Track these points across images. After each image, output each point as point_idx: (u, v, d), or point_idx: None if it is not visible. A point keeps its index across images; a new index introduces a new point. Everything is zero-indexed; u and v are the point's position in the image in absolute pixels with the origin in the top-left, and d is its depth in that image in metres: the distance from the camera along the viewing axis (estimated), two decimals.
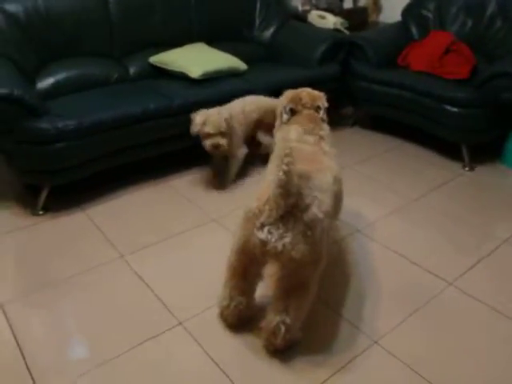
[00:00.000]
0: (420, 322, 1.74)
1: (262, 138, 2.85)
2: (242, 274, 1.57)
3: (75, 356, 1.60)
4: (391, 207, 2.48)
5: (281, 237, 1.38)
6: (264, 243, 1.40)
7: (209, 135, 2.40)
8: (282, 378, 1.52)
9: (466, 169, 2.86)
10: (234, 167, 2.63)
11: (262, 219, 1.40)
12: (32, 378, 1.51)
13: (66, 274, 1.98)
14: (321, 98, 1.97)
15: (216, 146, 2.41)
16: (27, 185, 2.52)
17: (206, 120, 2.38)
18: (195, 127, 2.41)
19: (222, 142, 2.41)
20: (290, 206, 1.36)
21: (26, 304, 1.82)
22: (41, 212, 2.38)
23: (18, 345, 1.63)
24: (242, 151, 2.61)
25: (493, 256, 2.11)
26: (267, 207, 1.39)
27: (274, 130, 2.04)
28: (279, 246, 1.38)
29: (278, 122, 2.01)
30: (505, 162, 2.90)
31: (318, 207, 1.42)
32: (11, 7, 2.61)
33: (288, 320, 1.48)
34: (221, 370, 1.54)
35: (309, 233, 1.39)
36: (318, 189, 1.47)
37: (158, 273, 1.99)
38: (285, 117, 1.91)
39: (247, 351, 1.62)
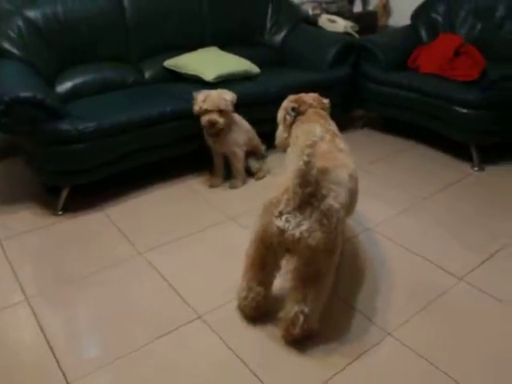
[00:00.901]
0: (432, 316, 1.79)
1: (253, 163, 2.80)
2: (260, 264, 1.62)
3: (100, 347, 1.67)
4: (402, 206, 2.52)
5: (298, 224, 1.43)
6: (282, 231, 1.45)
7: (206, 111, 2.45)
8: (302, 367, 1.57)
9: (476, 169, 2.89)
10: (238, 164, 2.66)
11: (281, 208, 1.45)
12: (60, 369, 1.58)
13: (88, 270, 2.05)
14: (322, 98, 2.04)
15: (212, 123, 2.45)
16: (47, 185, 2.60)
17: (206, 98, 2.45)
18: (197, 104, 2.47)
19: (219, 119, 2.45)
20: (308, 195, 1.42)
21: (50, 299, 1.89)
22: (60, 212, 2.45)
23: (46, 337, 1.70)
24: (241, 149, 2.64)
25: (502, 253, 2.14)
26: (285, 197, 1.45)
27: (278, 137, 2.09)
28: (296, 234, 1.43)
29: (280, 128, 2.09)
30: None
31: (334, 198, 1.48)
32: (31, 14, 2.71)
33: (306, 309, 1.53)
34: (241, 361, 1.60)
35: (325, 221, 1.44)
36: (335, 182, 1.52)
37: (177, 269, 2.05)
38: (288, 118, 1.98)
39: (267, 342, 1.67)
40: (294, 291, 1.55)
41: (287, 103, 2.05)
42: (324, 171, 1.49)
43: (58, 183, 2.41)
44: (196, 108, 2.48)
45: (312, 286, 1.52)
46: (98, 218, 2.43)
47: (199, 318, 1.78)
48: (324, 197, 1.46)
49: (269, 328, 1.72)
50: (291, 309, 1.56)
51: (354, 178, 1.71)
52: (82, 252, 2.17)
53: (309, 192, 1.42)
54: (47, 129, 2.21)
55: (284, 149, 2.10)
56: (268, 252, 1.57)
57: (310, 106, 2.01)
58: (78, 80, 2.75)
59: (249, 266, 1.65)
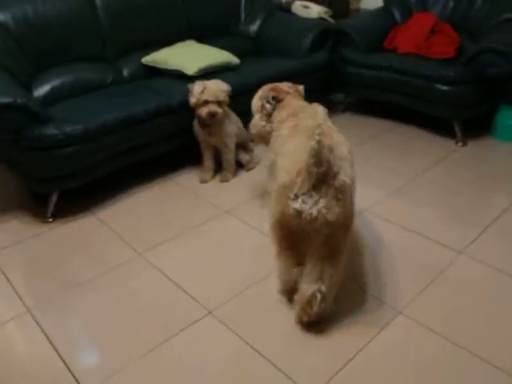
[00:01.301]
0: (438, 291, 1.82)
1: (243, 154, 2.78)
2: (287, 247, 1.64)
3: (111, 353, 1.63)
4: (392, 187, 2.55)
5: (315, 203, 1.46)
6: (299, 213, 1.47)
7: (206, 102, 2.43)
8: (320, 351, 1.58)
9: (459, 144, 2.96)
10: (230, 156, 2.65)
11: (296, 190, 1.47)
12: (74, 377, 1.54)
13: (88, 275, 2.00)
14: (297, 85, 2.14)
15: (213, 114, 2.43)
16: (34, 192, 2.52)
17: (204, 89, 2.42)
18: (194, 96, 2.44)
19: (219, 110, 2.44)
20: (322, 174, 1.45)
21: (53, 308, 1.84)
22: (51, 219, 2.38)
23: (54, 347, 1.65)
24: (232, 141, 2.62)
25: (496, 224, 2.20)
26: (299, 178, 1.46)
27: (255, 125, 2.14)
28: (314, 212, 1.46)
29: (257, 117, 2.12)
30: (495, 136, 3.01)
31: (344, 174, 1.50)
32: (0, 17, 2.60)
33: (323, 288, 1.55)
34: (258, 352, 1.59)
35: (340, 196, 1.48)
36: (341, 159, 1.54)
37: (179, 266, 2.02)
38: (268, 106, 2.03)
39: (281, 331, 1.67)
40: (311, 271, 1.57)
41: (264, 93, 2.08)
42: (331, 149, 1.50)
43: (47, 189, 2.34)
44: (193, 100, 2.45)
45: (329, 264, 1.55)
46: (89, 221, 2.37)
47: (210, 313, 1.77)
48: (336, 174, 1.48)
49: (281, 316, 1.73)
50: (308, 288, 1.56)
51: (351, 154, 1.73)
52: (79, 257, 2.12)
53: (323, 171, 1.44)
54: (32, 134, 2.14)
55: (261, 137, 2.14)
56: (290, 234, 1.59)
57: (288, 93, 2.06)
58: (56, 82, 2.66)
59: (279, 251, 1.67)
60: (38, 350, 1.65)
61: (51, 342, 1.67)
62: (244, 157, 2.75)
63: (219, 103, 2.45)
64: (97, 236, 2.26)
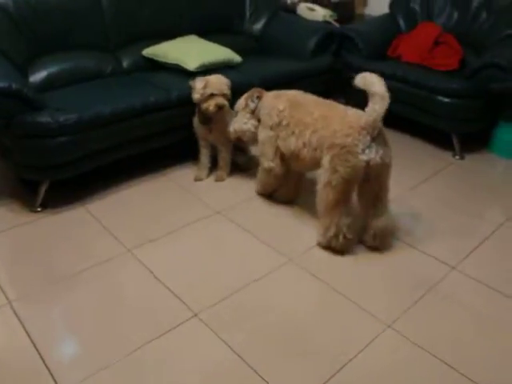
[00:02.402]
0: (428, 306, 1.80)
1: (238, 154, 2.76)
2: (344, 201, 1.95)
3: (91, 350, 1.59)
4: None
5: (377, 152, 1.87)
6: (367, 162, 1.86)
7: (212, 96, 2.41)
8: (305, 363, 1.55)
9: (457, 157, 2.94)
10: (228, 154, 2.62)
11: (361, 146, 1.85)
12: (50, 374, 1.50)
13: (73, 269, 1.96)
14: None
15: (220, 106, 2.42)
16: (24, 181, 2.47)
17: (206, 83, 2.41)
18: (197, 92, 2.41)
19: (226, 102, 2.43)
20: (378, 128, 1.87)
21: (35, 301, 1.80)
22: (39, 209, 2.33)
23: (32, 341, 1.61)
24: (227, 139, 2.58)
25: (491, 239, 2.18)
26: (361, 136, 1.84)
27: (238, 121, 2.40)
28: (378, 159, 1.87)
29: (241, 114, 2.38)
30: (493, 150, 2.99)
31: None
32: None
33: (389, 217, 2.03)
34: (242, 359, 1.56)
35: (387, 142, 1.94)
36: None
37: (167, 265, 1.99)
38: (252, 105, 2.34)
39: (268, 338, 1.64)
40: (375, 209, 2.00)
41: (248, 94, 2.38)
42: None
43: (37, 178, 2.29)
44: (197, 96, 2.42)
45: (385, 200, 2.01)
46: (79, 213, 2.33)
47: (195, 315, 1.73)
48: (381, 128, 1.89)
49: (269, 323, 1.70)
50: (379, 223, 1.99)
51: None
52: (66, 250, 2.07)
53: (379, 126, 1.87)
54: (25, 121, 2.09)
55: (241, 132, 2.39)
56: (353, 186, 1.94)
57: (262, 92, 2.37)
58: (53, 69, 2.61)
59: (337, 206, 1.95)
60: (15, 343, 1.61)
61: (30, 337, 1.63)
62: (240, 157, 2.72)
63: (224, 96, 2.43)
64: (86, 229, 2.21)
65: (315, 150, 2.01)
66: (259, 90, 2.39)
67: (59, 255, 2.04)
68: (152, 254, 2.05)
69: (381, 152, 1.87)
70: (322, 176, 1.96)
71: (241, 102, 2.39)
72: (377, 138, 1.87)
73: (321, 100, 2.17)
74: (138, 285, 1.88)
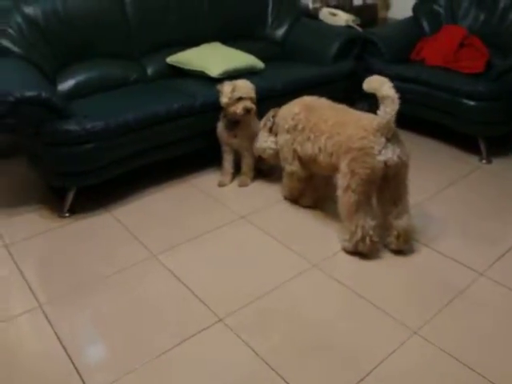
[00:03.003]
0: (455, 312, 1.77)
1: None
2: (366, 202, 1.96)
3: (118, 354, 1.62)
4: (413, 201, 2.47)
5: (394, 152, 1.89)
6: (385, 162, 1.88)
7: (240, 99, 2.45)
8: (331, 369, 1.54)
9: (484, 161, 2.88)
10: (251, 160, 2.64)
11: (378, 147, 1.87)
12: (80, 376, 1.53)
13: (101, 274, 1.99)
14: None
15: (248, 109, 2.46)
16: (52, 187, 2.53)
17: (234, 87, 2.45)
18: (225, 96, 2.45)
19: (253, 106, 2.47)
20: (392, 129, 1.89)
21: (64, 304, 1.84)
22: (67, 214, 2.39)
23: (62, 344, 1.65)
24: (251, 144, 2.60)
25: None
26: (377, 139, 1.87)
27: (261, 140, 2.49)
28: (395, 158, 1.89)
29: (261, 133, 2.50)
30: None
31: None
32: (30, 10, 2.62)
33: (410, 217, 2.03)
34: (268, 365, 1.56)
35: (402, 141, 1.95)
36: None
37: (192, 270, 2.01)
38: (269, 123, 2.45)
39: (294, 343, 1.64)
40: (396, 209, 1.99)
41: (266, 115, 2.48)
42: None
43: (65, 185, 2.34)
44: (225, 99, 2.46)
45: (405, 199, 2.01)
46: (105, 219, 2.37)
47: (220, 320, 1.74)
48: (395, 128, 1.91)
49: (294, 328, 1.69)
50: (400, 223, 1.99)
51: None
52: (93, 255, 2.11)
53: (393, 127, 1.90)
54: (53, 129, 2.15)
55: (262, 151, 2.48)
56: (372, 188, 1.95)
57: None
58: (80, 78, 2.68)
59: (359, 207, 1.95)
60: (46, 346, 1.65)
61: (60, 340, 1.67)
62: (263, 163, 2.72)
63: (251, 100, 2.47)
64: (112, 234, 2.25)
65: (331, 155, 2.05)
66: (275, 109, 2.45)
67: (87, 260, 2.08)
68: (177, 259, 2.07)
69: (398, 151, 1.90)
70: (340, 180, 1.98)
71: (261, 122, 2.49)
72: (392, 139, 1.90)
73: (335, 105, 2.21)
74: (163, 289, 1.90)
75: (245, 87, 2.46)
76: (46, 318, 1.77)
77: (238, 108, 2.44)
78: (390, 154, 1.88)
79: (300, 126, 2.20)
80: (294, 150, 2.27)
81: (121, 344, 1.66)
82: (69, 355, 1.60)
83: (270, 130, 2.44)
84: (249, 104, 2.45)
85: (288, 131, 2.27)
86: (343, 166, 1.96)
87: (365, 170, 1.88)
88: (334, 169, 2.04)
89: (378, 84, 1.87)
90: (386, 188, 1.98)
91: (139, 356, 1.60)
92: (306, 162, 2.25)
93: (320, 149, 2.10)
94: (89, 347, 1.66)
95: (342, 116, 2.07)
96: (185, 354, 1.61)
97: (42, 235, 2.25)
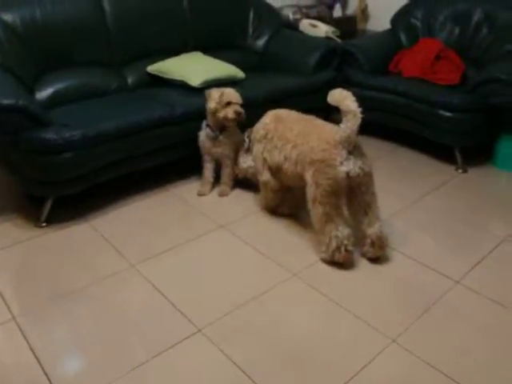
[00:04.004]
0: (432, 321, 1.79)
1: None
2: (336, 213, 1.98)
3: (95, 366, 1.59)
4: (390, 210, 2.53)
5: (355, 163, 1.93)
6: (347, 173, 1.92)
7: (229, 103, 2.48)
8: (309, 378, 1.54)
9: (460, 171, 2.94)
10: (231, 170, 2.65)
11: (340, 158, 1.91)
12: None
13: (77, 285, 1.96)
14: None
15: (238, 113, 2.48)
16: (29, 196, 2.49)
17: (222, 93, 2.48)
18: (213, 101, 2.48)
19: (243, 111, 2.50)
20: (354, 142, 1.93)
21: (39, 316, 1.80)
22: (44, 224, 2.35)
23: (36, 357, 1.61)
24: (232, 153, 2.64)
25: (495, 253, 2.18)
26: (338, 151, 1.91)
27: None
28: (357, 169, 1.93)
29: (241, 154, 2.59)
30: (496, 164, 3.00)
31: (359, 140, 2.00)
32: (8, 17, 2.59)
33: (381, 224, 2.06)
34: (245, 374, 1.55)
35: (364, 153, 1.99)
36: None
37: (171, 280, 1.99)
38: (246, 144, 2.54)
39: (274, 353, 1.63)
40: (366, 217, 2.03)
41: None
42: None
43: (43, 194, 2.31)
44: (213, 104, 2.48)
45: (374, 206, 2.04)
46: (83, 229, 2.34)
47: (199, 331, 1.73)
48: (356, 140, 1.95)
49: (274, 338, 1.69)
50: (374, 230, 2.02)
51: None
52: (70, 266, 2.08)
53: (355, 139, 1.93)
54: (31, 138, 2.11)
55: (245, 172, 2.57)
56: (339, 198, 1.98)
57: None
58: (59, 86, 2.66)
59: (326, 222, 1.99)
60: (19, 359, 1.61)
61: (34, 352, 1.63)
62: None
63: (240, 105, 2.51)
64: (90, 244, 2.22)
65: (296, 164, 2.10)
66: (250, 129, 2.51)
67: (63, 270, 2.05)
68: (156, 269, 2.06)
69: (359, 163, 1.93)
70: (308, 193, 2.03)
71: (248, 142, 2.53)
72: (354, 151, 1.94)
73: (304, 116, 2.26)
74: (142, 300, 1.88)
75: (233, 93, 2.51)
76: (20, 330, 1.73)
77: (229, 112, 2.46)
78: (351, 166, 1.92)
79: (269, 135, 2.26)
80: (264, 159, 2.31)
81: (97, 356, 1.63)
82: (43, 368, 1.57)
83: (248, 150, 2.52)
84: (239, 108, 2.48)
85: (259, 141, 2.33)
86: (308, 177, 2.01)
87: (327, 181, 1.92)
88: (300, 179, 2.09)
89: (340, 98, 1.90)
90: (354, 198, 2.02)
91: (116, 369, 1.58)
92: (274, 171, 2.29)
93: (286, 157, 2.15)
94: (64, 360, 1.63)
95: (308, 127, 2.11)
96: (163, 365, 1.59)
97: (17, 245, 2.21)
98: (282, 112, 2.34)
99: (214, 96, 2.48)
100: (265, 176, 2.34)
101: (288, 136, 2.14)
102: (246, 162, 2.54)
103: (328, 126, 2.08)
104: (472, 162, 3.00)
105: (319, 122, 2.17)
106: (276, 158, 2.22)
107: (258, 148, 2.36)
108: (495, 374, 1.57)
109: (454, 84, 3.01)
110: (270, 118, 2.33)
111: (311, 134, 2.04)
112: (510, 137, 2.93)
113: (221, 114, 2.48)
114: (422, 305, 1.86)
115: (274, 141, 2.23)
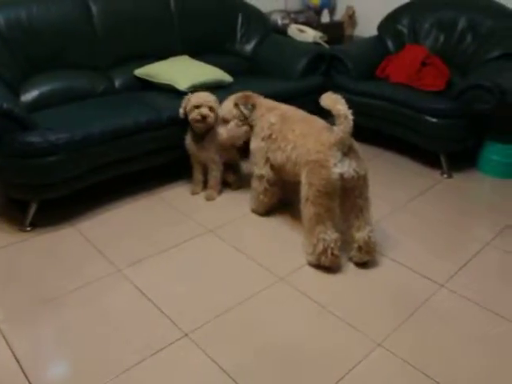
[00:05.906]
0: (417, 324, 1.80)
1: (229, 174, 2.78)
2: (328, 215, 1.98)
3: (80, 372, 1.57)
4: (376, 215, 2.53)
5: (349, 165, 1.94)
6: (341, 175, 1.93)
7: (196, 107, 2.46)
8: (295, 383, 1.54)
9: (445, 176, 2.98)
10: (218, 173, 2.65)
11: (333, 160, 1.92)
12: None
13: (63, 290, 1.94)
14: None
15: (203, 116, 2.45)
16: (13, 200, 2.45)
17: (190, 97, 2.49)
18: (181, 106, 2.50)
19: (210, 113, 2.47)
20: (348, 144, 1.94)
21: (23, 322, 1.78)
22: (28, 228, 2.32)
23: (19, 363, 1.59)
24: (218, 157, 2.63)
25: (478, 257, 2.20)
26: (333, 152, 1.92)
27: (231, 130, 2.45)
28: (351, 171, 1.94)
29: (233, 123, 2.43)
30: (480, 169, 3.04)
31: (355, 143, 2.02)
32: None
33: (371, 229, 2.06)
34: (232, 379, 1.55)
35: (360, 156, 2.00)
36: None
37: (158, 285, 1.98)
38: (247, 112, 2.40)
39: (254, 357, 1.63)
40: (357, 221, 2.04)
41: (239, 100, 2.42)
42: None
43: (27, 198, 2.28)
44: (181, 110, 2.50)
45: (366, 211, 2.05)
46: (69, 233, 2.32)
47: (186, 335, 1.72)
48: (352, 143, 1.98)
49: (262, 342, 1.69)
50: (362, 234, 2.03)
51: None
52: (55, 270, 2.06)
53: (349, 142, 1.95)
54: (16, 141, 2.09)
55: (234, 139, 2.47)
56: (332, 200, 1.97)
57: (256, 97, 2.46)
58: (45, 88, 2.63)
59: (316, 223, 1.99)
60: (1, 365, 1.58)
61: (17, 359, 1.61)
62: (230, 176, 2.74)
63: (210, 109, 2.48)
64: (76, 249, 2.20)
65: (295, 165, 2.12)
66: (249, 95, 2.44)
67: (48, 275, 2.02)
68: (142, 274, 2.04)
69: (354, 165, 1.95)
70: (302, 192, 2.04)
71: (230, 108, 2.42)
72: (348, 153, 1.95)
73: (307, 116, 2.26)
74: (128, 305, 1.87)
75: (201, 96, 2.49)
76: (3, 336, 1.70)
77: (194, 114, 2.46)
78: (345, 168, 1.93)
79: (274, 136, 2.26)
80: (267, 158, 2.33)
81: (82, 362, 1.61)
82: (26, 375, 1.55)
83: (245, 119, 2.41)
84: (205, 110, 2.45)
85: (263, 139, 2.32)
86: (303, 177, 2.03)
87: (320, 182, 1.94)
88: (299, 178, 2.11)
89: (331, 102, 1.93)
90: (347, 201, 2.03)
91: (101, 374, 1.56)
92: (276, 170, 2.32)
93: (287, 158, 2.17)
94: (48, 366, 1.61)
95: (308, 128, 2.12)
96: (149, 370, 1.58)
97: (0, 250, 2.18)
98: (288, 110, 2.32)
99: (183, 101, 2.50)
100: (264, 171, 2.35)
101: (290, 137, 2.15)
102: (240, 130, 2.43)
103: (326, 128, 2.08)
104: (457, 167, 3.04)
105: (319, 123, 2.16)
106: (279, 158, 2.23)
107: (260, 145, 2.33)
108: (480, 375, 1.59)
109: (440, 90, 3.05)
110: (276, 117, 2.29)
111: (310, 135, 2.05)
112: (493, 142, 2.98)
113: (190, 119, 2.48)
114: (408, 308, 1.88)
115: (277, 142, 2.23)
